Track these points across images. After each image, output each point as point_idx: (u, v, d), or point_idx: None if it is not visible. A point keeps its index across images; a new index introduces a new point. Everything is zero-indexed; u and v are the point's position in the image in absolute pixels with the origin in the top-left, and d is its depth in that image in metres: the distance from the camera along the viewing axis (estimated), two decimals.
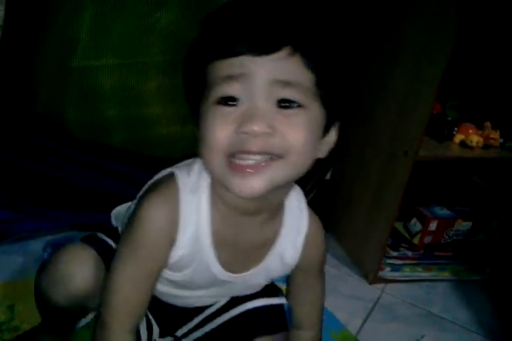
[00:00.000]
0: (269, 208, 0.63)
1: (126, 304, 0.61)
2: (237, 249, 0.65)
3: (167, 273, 0.66)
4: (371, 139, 1.28)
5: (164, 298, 0.75)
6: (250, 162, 0.52)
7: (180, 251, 0.61)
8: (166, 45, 1.04)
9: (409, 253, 1.31)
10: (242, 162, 0.52)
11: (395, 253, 1.29)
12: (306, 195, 1.48)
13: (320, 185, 1.49)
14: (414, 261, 1.31)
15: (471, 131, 1.27)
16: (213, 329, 0.77)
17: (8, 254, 1.11)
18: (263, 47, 0.49)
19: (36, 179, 1.10)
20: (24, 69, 1.00)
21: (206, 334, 0.78)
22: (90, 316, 0.77)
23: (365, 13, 1.26)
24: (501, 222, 1.42)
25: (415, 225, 1.32)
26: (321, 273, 0.77)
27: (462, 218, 1.35)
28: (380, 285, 1.26)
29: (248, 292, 0.76)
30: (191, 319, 0.80)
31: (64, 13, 0.94)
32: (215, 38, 0.52)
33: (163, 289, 0.71)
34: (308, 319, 0.79)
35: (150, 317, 0.79)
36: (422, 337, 1.07)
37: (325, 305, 1.10)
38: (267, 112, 0.51)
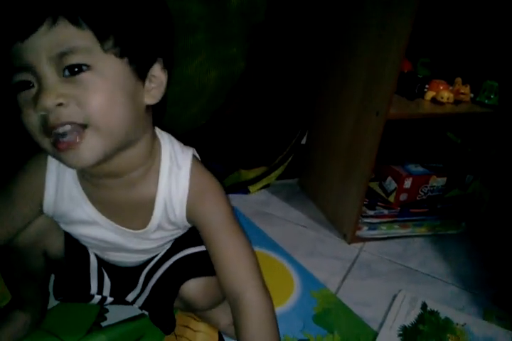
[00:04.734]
0: (125, 170, 0.65)
1: None
2: (119, 207, 0.69)
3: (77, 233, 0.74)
4: (343, 102, 1.27)
5: (110, 259, 0.81)
6: (67, 138, 0.54)
7: (50, 210, 0.69)
8: None
9: (386, 212, 1.33)
10: (61, 139, 0.54)
11: (371, 213, 1.31)
12: (284, 160, 1.51)
13: (296, 150, 1.50)
14: (391, 219, 1.33)
15: (441, 87, 1.27)
16: (153, 286, 0.81)
17: None
18: (25, 29, 0.50)
19: None
20: None
21: (150, 293, 0.82)
22: None
23: None
24: (475, 176, 1.44)
25: (390, 184, 1.34)
26: (231, 228, 0.71)
27: (436, 174, 1.37)
28: (359, 244, 1.29)
29: (160, 245, 0.80)
30: (136, 282, 0.84)
31: None
32: None
33: (95, 251, 0.80)
34: (237, 278, 0.70)
35: (103, 270, 0.83)
36: (399, 291, 1.10)
37: (305, 266, 1.14)
38: (54, 85, 0.53)
